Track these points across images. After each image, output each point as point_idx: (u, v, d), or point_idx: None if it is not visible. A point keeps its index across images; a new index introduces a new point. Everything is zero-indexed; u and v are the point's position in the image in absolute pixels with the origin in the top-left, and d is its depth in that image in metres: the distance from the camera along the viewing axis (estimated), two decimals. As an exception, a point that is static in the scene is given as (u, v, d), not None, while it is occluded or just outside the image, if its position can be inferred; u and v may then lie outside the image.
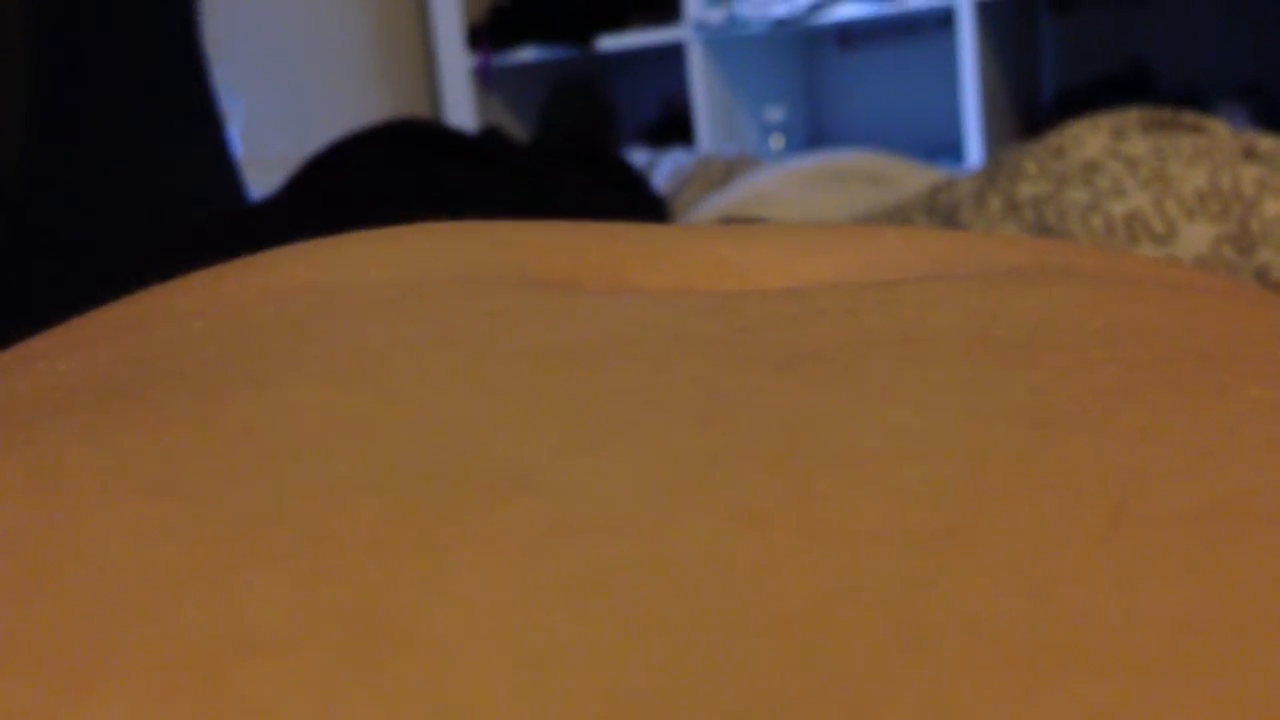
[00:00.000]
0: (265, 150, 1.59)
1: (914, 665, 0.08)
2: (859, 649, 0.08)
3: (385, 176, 0.64)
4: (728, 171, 1.18)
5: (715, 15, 2.09)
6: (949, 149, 1.97)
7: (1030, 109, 2.06)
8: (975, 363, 0.13)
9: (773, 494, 0.10)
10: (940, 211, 0.67)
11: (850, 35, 2.35)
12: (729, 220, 0.76)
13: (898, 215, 0.71)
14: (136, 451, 0.11)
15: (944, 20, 2.05)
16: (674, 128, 2.28)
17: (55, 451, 0.11)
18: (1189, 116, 0.65)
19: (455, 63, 2.38)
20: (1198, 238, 0.57)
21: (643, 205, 0.90)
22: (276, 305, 0.16)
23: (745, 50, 2.22)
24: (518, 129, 2.18)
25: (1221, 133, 0.63)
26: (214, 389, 0.12)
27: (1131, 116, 0.65)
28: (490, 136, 0.77)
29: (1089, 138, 0.64)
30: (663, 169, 1.26)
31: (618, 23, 2.24)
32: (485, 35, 2.36)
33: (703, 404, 0.12)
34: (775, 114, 2.24)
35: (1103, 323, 0.14)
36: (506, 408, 0.12)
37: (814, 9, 2.02)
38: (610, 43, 2.24)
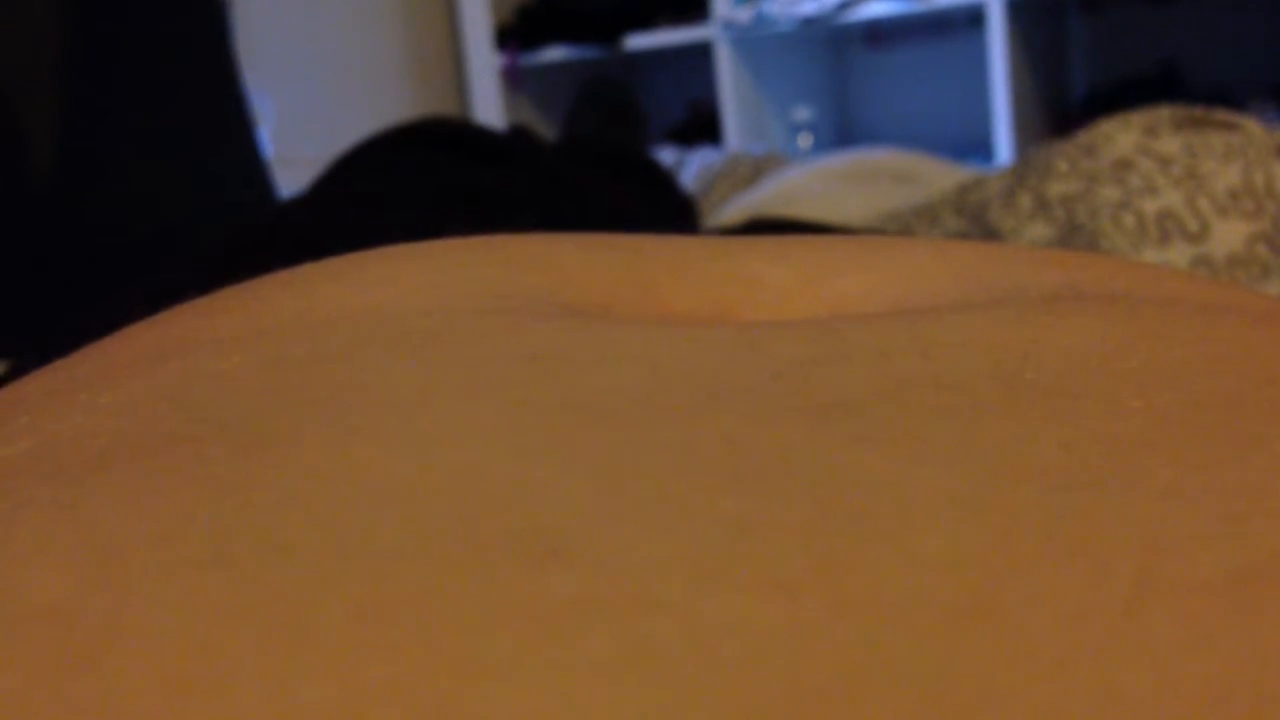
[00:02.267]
0: (295, 149, 1.60)
1: None
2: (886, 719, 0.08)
3: (414, 176, 0.64)
4: (756, 170, 1.18)
5: (743, 14, 2.09)
6: (978, 148, 1.96)
7: (1060, 108, 2.05)
8: (1006, 415, 0.13)
9: (802, 564, 0.10)
10: (969, 210, 0.67)
11: (879, 34, 2.34)
12: (757, 219, 0.75)
13: (926, 214, 0.71)
14: (184, 519, 0.11)
15: (974, 19, 2.04)
16: (702, 127, 2.28)
17: (102, 517, 0.11)
18: (1221, 114, 0.64)
19: (483, 63, 2.39)
20: (1231, 235, 0.56)
21: (671, 205, 0.90)
22: (312, 339, 0.16)
23: (773, 49, 2.22)
24: (545, 129, 2.19)
25: (1255, 130, 0.63)
26: (256, 449, 0.12)
27: (1163, 114, 0.65)
28: (518, 136, 0.78)
29: (1120, 136, 0.63)
30: (690, 168, 1.26)
31: (645, 22, 2.24)
32: (513, 35, 2.37)
33: (735, 466, 0.12)
34: (803, 113, 2.24)
35: (1135, 362, 0.14)
36: (542, 470, 0.12)
37: (842, 7, 2.01)
38: (638, 42, 2.24)
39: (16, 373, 0.32)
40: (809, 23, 2.06)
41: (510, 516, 0.11)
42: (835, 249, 0.22)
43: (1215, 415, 0.13)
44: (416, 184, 0.62)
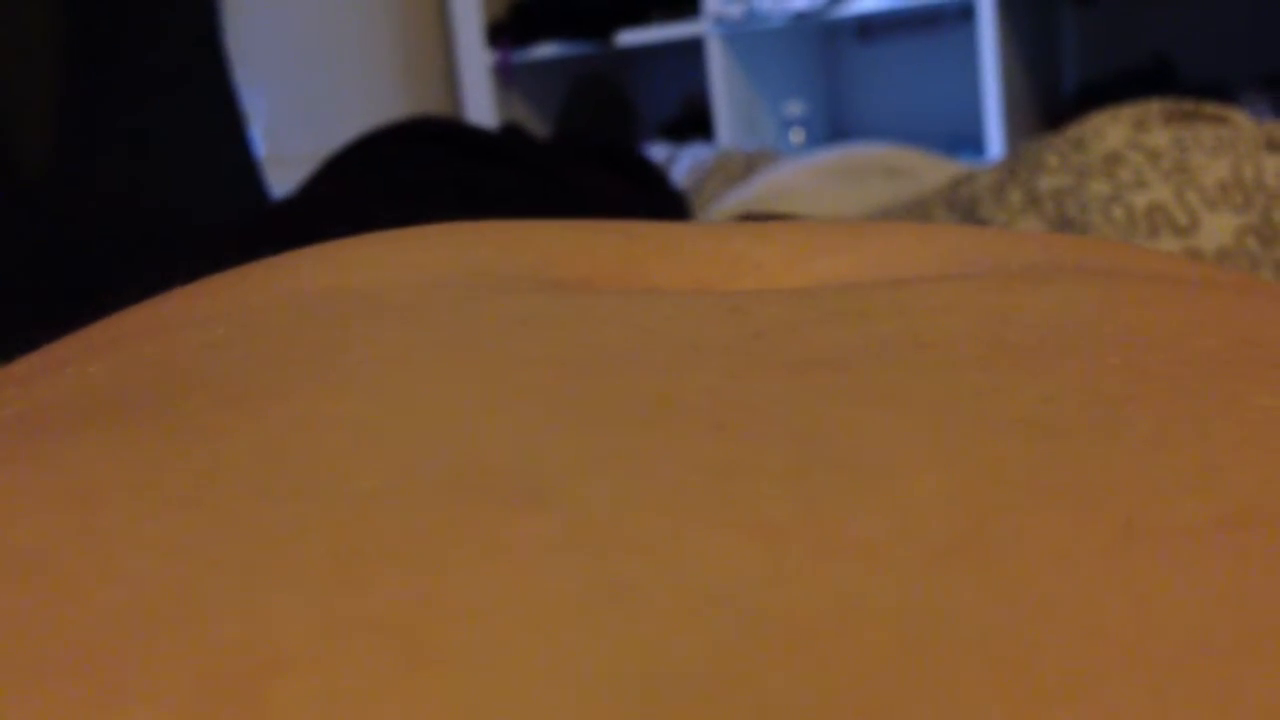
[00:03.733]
0: (286, 148, 1.59)
1: (925, 677, 0.08)
2: (869, 662, 0.08)
3: (406, 174, 0.64)
4: (747, 166, 1.18)
5: (734, 9, 2.09)
6: (969, 142, 1.96)
7: (1051, 101, 2.05)
8: (987, 369, 0.13)
9: (784, 508, 0.10)
10: (960, 204, 0.67)
11: (870, 28, 2.34)
12: (749, 215, 0.75)
13: (918, 209, 0.71)
14: (164, 465, 0.11)
15: (964, 12, 2.04)
16: (694, 123, 2.28)
17: (84, 465, 0.11)
18: (1211, 107, 0.65)
19: (475, 59, 2.38)
20: (1220, 229, 0.56)
21: (663, 201, 0.90)
22: (297, 310, 0.16)
23: (765, 44, 2.22)
24: (538, 125, 2.18)
25: (1244, 124, 0.63)
26: (238, 400, 0.13)
27: (1153, 108, 0.65)
28: (510, 133, 0.78)
29: (1110, 129, 0.64)
30: (682, 164, 1.26)
31: (637, 18, 2.24)
32: (505, 32, 2.36)
33: (716, 415, 0.12)
34: (795, 108, 2.24)
35: (1115, 325, 0.14)
36: (523, 419, 0.12)
37: (833, 2, 2.01)
38: (630, 38, 2.24)
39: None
40: (800, 17, 2.06)
41: (490, 461, 0.11)
42: (820, 231, 0.22)
43: (1195, 372, 0.13)
44: (410, 180, 0.62)
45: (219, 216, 0.73)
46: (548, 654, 0.08)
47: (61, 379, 0.14)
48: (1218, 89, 1.72)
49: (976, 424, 0.11)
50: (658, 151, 1.33)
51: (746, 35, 2.17)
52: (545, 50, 2.33)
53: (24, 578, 0.09)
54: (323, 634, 0.08)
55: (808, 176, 0.96)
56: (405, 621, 0.09)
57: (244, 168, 0.84)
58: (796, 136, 2.23)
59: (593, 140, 1.04)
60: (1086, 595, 0.09)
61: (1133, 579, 0.09)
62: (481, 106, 2.37)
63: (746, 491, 0.10)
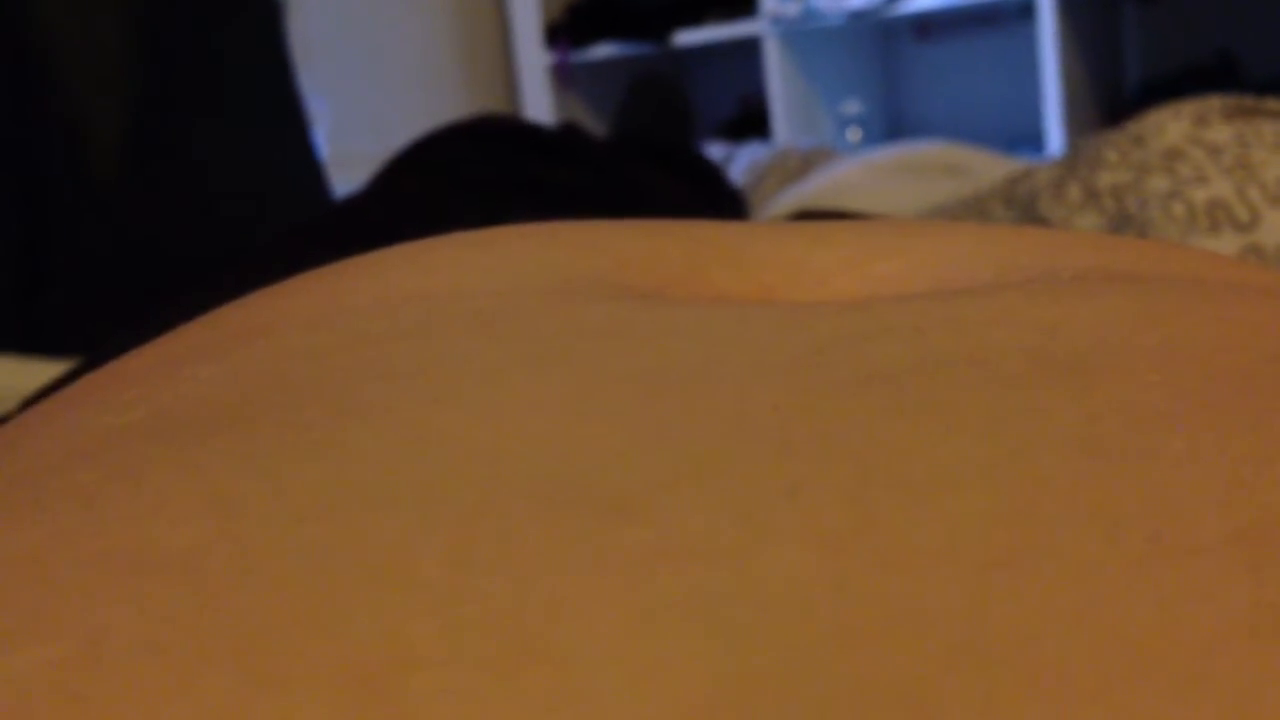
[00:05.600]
0: (349, 148, 1.62)
1: (971, 676, 0.09)
2: (920, 663, 0.09)
3: (473, 172, 0.65)
4: (805, 164, 1.19)
5: (791, 8, 2.09)
6: (1029, 140, 1.95)
7: (1113, 99, 2.03)
8: (1034, 387, 0.14)
9: (845, 522, 0.11)
10: (1019, 201, 0.67)
11: (928, 26, 2.33)
12: (806, 212, 0.76)
13: (976, 206, 0.71)
14: (291, 476, 0.12)
15: (1024, 10, 2.03)
16: (752, 122, 2.28)
17: (218, 474, 0.12)
18: (1273, 103, 0.64)
19: (533, 60, 2.40)
20: (1282, 225, 0.56)
21: (721, 199, 0.90)
22: (390, 316, 0.17)
23: (822, 43, 2.22)
24: (595, 125, 2.20)
25: (1307, 119, 0.62)
26: (350, 413, 0.14)
27: (1214, 104, 0.65)
28: (570, 132, 0.79)
29: (1170, 125, 0.63)
30: (739, 163, 1.26)
31: (694, 18, 2.25)
32: (563, 33, 2.38)
33: (784, 433, 0.13)
34: (853, 107, 2.23)
35: (1155, 339, 0.15)
36: (610, 434, 0.13)
37: (890, 0, 2.01)
38: (687, 38, 2.25)
39: (91, 366, 0.33)
40: (857, 16, 2.06)
41: (580, 476, 0.12)
42: (875, 233, 0.23)
43: (1228, 388, 0.13)
44: (478, 178, 0.63)
45: (286, 216, 0.75)
46: (646, 653, 0.09)
47: (179, 383, 0.15)
48: (1283, 85, 1.69)
49: (1022, 442, 0.12)
50: (715, 151, 1.34)
51: (803, 34, 2.17)
52: (602, 51, 2.35)
53: (177, 578, 0.10)
54: (447, 634, 0.09)
55: (865, 174, 0.96)
56: (518, 623, 0.10)
57: (309, 168, 0.85)
58: (854, 135, 2.22)
59: (651, 140, 1.05)
60: (1115, 605, 0.10)
61: (1157, 590, 0.10)
62: (539, 107, 2.38)
63: (812, 506, 0.11)
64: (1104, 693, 0.09)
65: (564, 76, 2.40)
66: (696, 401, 0.14)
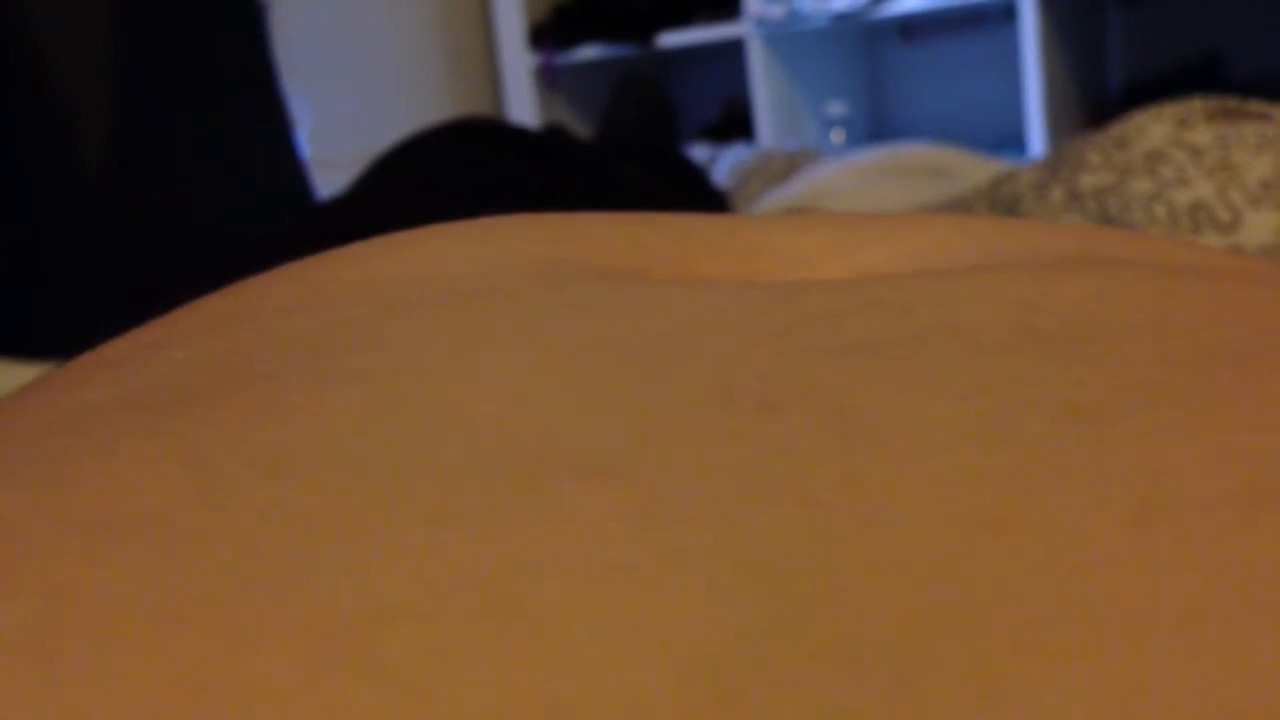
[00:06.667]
0: (332, 150, 1.61)
1: (957, 635, 0.09)
2: (907, 619, 0.09)
3: (455, 172, 0.65)
4: (789, 166, 1.19)
5: (775, 10, 2.09)
6: (1012, 142, 1.95)
7: (1097, 101, 2.03)
8: (1019, 355, 0.13)
9: (830, 482, 0.11)
10: (1002, 203, 0.67)
11: (911, 28, 2.33)
12: (790, 212, 0.76)
13: (959, 207, 0.71)
14: (265, 438, 0.12)
15: (1007, 12, 2.04)
16: (736, 124, 2.28)
17: (190, 439, 0.12)
18: (1255, 105, 0.64)
19: (518, 62, 2.40)
20: (1263, 226, 0.56)
21: (705, 201, 0.90)
22: (371, 297, 0.17)
23: (806, 45, 2.22)
24: (580, 127, 2.19)
25: (1288, 121, 0.63)
26: (327, 380, 0.14)
27: (1196, 105, 0.65)
28: (554, 134, 0.78)
29: (1153, 127, 0.64)
30: (723, 164, 1.27)
31: (678, 20, 2.25)
32: (547, 34, 2.38)
33: (766, 397, 0.12)
34: (837, 108, 2.24)
35: (1141, 314, 0.15)
36: (588, 399, 0.13)
37: (875, 2, 2.01)
38: (671, 40, 2.25)
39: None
40: (841, 18, 2.06)
41: (560, 437, 0.12)
42: (860, 223, 0.23)
43: (1217, 359, 0.13)
44: (461, 177, 0.63)
45: (269, 217, 0.74)
46: (627, 610, 0.09)
47: (153, 363, 0.15)
48: (1268, 87, 1.70)
49: (1008, 406, 0.12)
50: (699, 152, 1.34)
51: (787, 36, 2.17)
52: (587, 52, 2.35)
53: (146, 538, 0.10)
54: (421, 590, 0.09)
55: (849, 176, 0.96)
56: (494, 579, 0.09)
57: (292, 169, 0.85)
58: (837, 137, 2.22)
59: (635, 141, 1.05)
60: (1105, 566, 0.09)
61: (1148, 551, 0.10)
62: (524, 108, 2.38)
63: (794, 467, 0.11)
64: (1092, 653, 0.08)
65: (548, 78, 2.40)
66: (677, 368, 0.13)
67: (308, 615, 0.09)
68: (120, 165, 0.71)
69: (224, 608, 0.09)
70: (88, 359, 0.17)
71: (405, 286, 0.18)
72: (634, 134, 1.09)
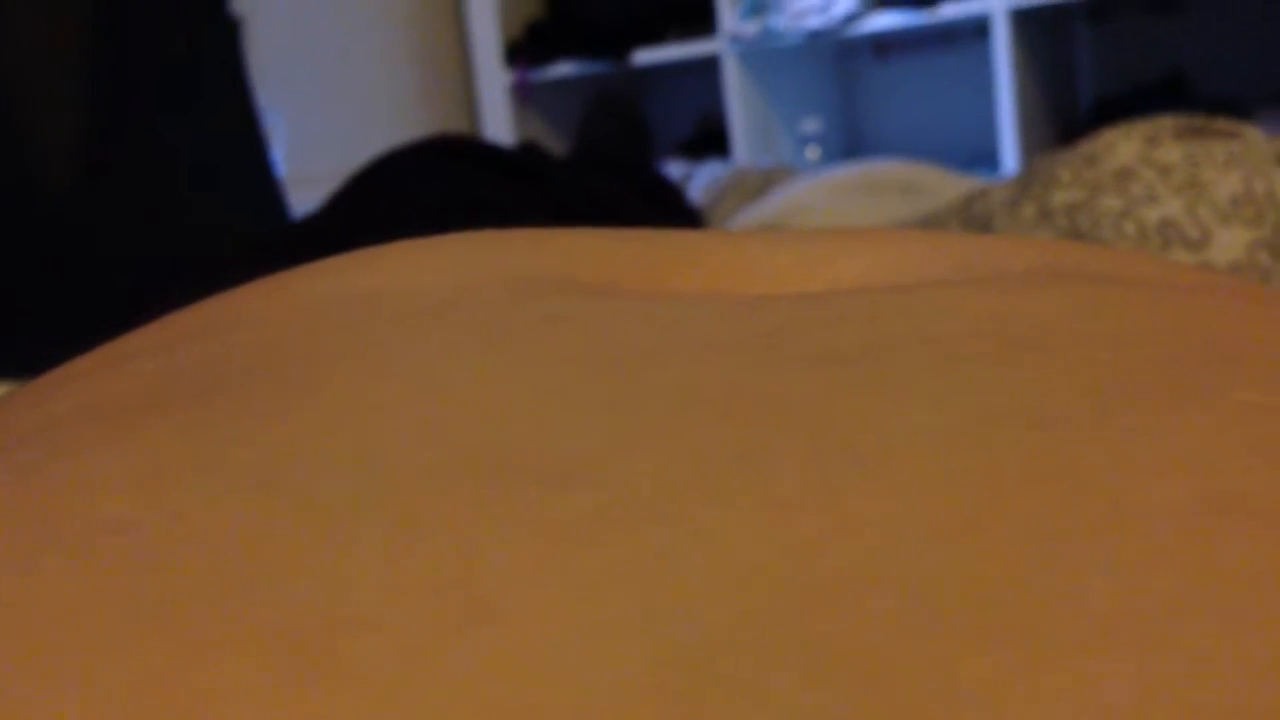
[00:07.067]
0: (308, 167, 1.61)
1: (926, 639, 0.09)
2: (878, 622, 0.09)
3: (427, 191, 0.65)
4: (764, 183, 1.19)
5: (750, 28, 2.10)
6: (985, 158, 1.96)
7: (1067, 118, 2.05)
8: (987, 364, 0.14)
9: (797, 486, 0.11)
10: (975, 220, 0.68)
11: (885, 46, 2.35)
12: (765, 229, 0.76)
13: (932, 224, 0.72)
14: (230, 448, 0.12)
15: (979, 30, 2.05)
16: (711, 141, 2.29)
17: (156, 447, 0.12)
18: (1222, 123, 0.65)
19: (493, 79, 2.40)
20: (1232, 243, 0.57)
21: (679, 218, 0.90)
22: (342, 311, 0.17)
23: (780, 62, 2.23)
24: (555, 144, 2.20)
25: (1255, 139, 0.64)
26: (295, 389, 0.13)
27: (1165, 124, 0.66)
28: (529, 151, 0.79)
29: (1122, 145, 0.64)
30: (698, 181, 1.27)
31: (653, 37, 2.25)
32: (522, 52, 2.38)
33: (734, 404, 0.12)
34: (811, 125, 2.25)
35: (1106, 325, 0.15)
36: (554, 406, 0.13)
37: (848, 20, 2.02)
38: (646, 57, 2.25)
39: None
40: (815, 36, 2.07)
41: (525, 444, 0.12)
42: (830, 238, 0.23)
43: (1181, 368, 0.14)
44: (432, 197, 0.63)
45: (243, 234, 0.74)
46: (594, 615, 0.09)
47: (122, 374, 0.15)
48: (1233, 105, 1.72)
49: (976, 413, 0.12)
50: (674, 169, 1.34)
51: (762, 54, 2.18)
52: (562, 70, 2.35)
53: (109, 545, 0.10)
54: (387, 596, 0.09)
55: (824, 193, 0.97)
56: (461, 585, 0.09)
57: (266, 186, 0.85)
58: (812, 154, 2.23)
59: (610, 158, 1.05)
60: (1073, 570, 0.09)
61: (1116, 556, 0.10)
62: (499, 125, 2.38)
63: (762, 472, 0.11)
64: (1063, 654, 0.09)
65: (524, 95, 2.40)
66: (645, 376, 0.13)
67: (273, 621, 0.09)
68: (88, 185, 0.70)
69: (188, 613, 0.09)
70: (57, 373, 0.17)
71: (377, 300, 0.18)
72: (609, 151, 1.09)
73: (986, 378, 0.13)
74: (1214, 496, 0.10)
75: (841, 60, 2.39)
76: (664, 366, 0.14)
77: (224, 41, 0.82)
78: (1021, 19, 1.89)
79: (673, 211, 0.90)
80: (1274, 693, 0.08)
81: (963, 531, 0.10)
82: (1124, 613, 0.09)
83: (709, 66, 2.22)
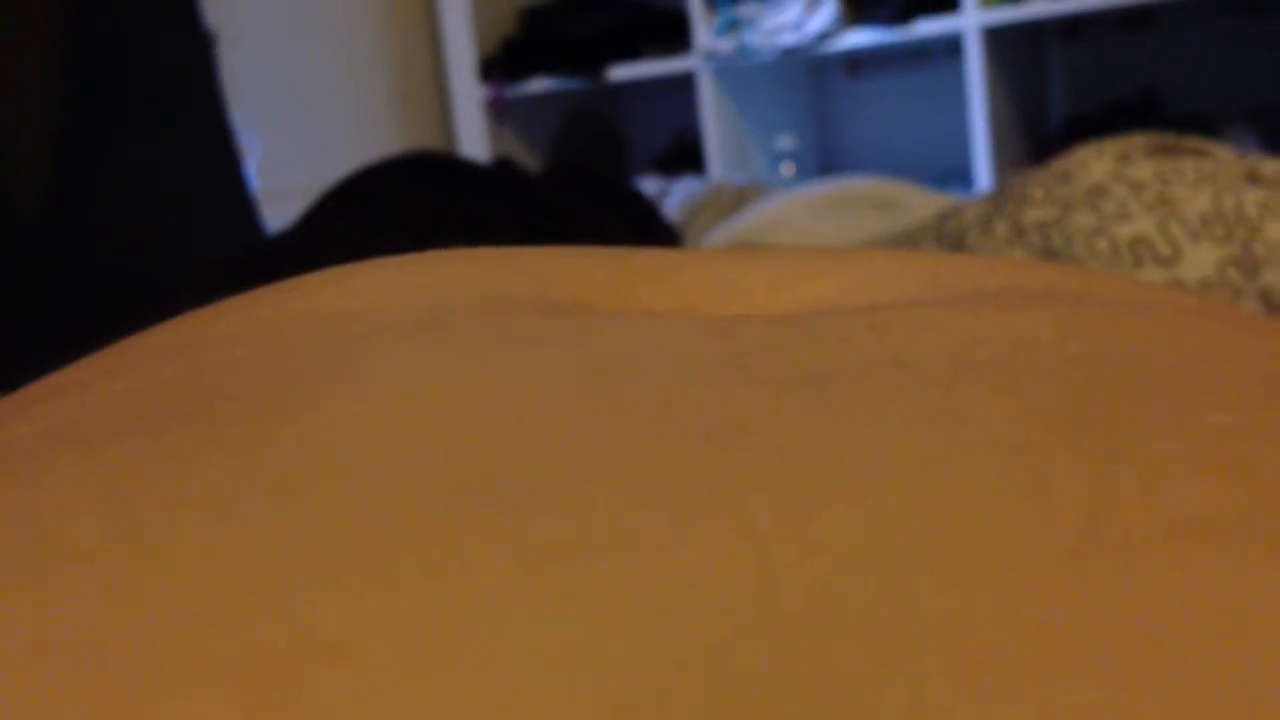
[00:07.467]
0: (282, 183, 1.60)
1: (897, 668, 0.09)
2: (846, 653, 0.09)
3: (401, 208, 0.65)
4: (738, 199, 1.19)
5: (725, 45, 2.11)
6: (958, 175, 1.98)
7: (1039, 135, 2.07)
8: (958, 388, 0.13)
9: (769, 514, 0.11)
10: (948, 237, 0.68)
11: (859, 63, 2.36)
12: (739, 247, 0.76)
13: (906, 241, 0.72)
14: (197, 473, 0.12)
15: (952, 47, 2.06)
16: (685, 157, 2.29)
17: (123, 473, 0.12)
18: (1193, 141, 0.66)
19: (468, 95, 2.40)
20: (1202, 260, 0.57)
21: (654, 233, 0.91)
22: (314, 330, 0.17)
23: (755, 79, 2.24)
24: (530, 160, 2.20)
25: (1225, 157, 0.64)
26: (265, 411, 0.13)
27: (1137, 141, 0.66)
28: (503, 167, 0.79)
29: (1094, 163, 0.65)
30: (674, 197, 1.27)
31: (628, 53, 2.26)
32: (497, 67, 2.38)
33: (706, 427, 0.12)
34: (785, 142, 2.25)
35: (1077, 347, 0.15)
36: (529, 429, 0.13)
37: (822, 37, 2.03)
38: (621, 73, 2.26)
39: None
40: (790, 53, 2.08)
41: (496, 468, 0.12)
42: (803, 257, 0.23)
43: (1153, 390, 0.14)
44: (406, 214, 0.63)
45: (216, 251, 0.74)
46: (563, 644, 0.09)
47: (88, 396, 0.15)
48: (1203, 122, 1.74)
49: (947, 438, 0.12)
50: (649, 185, 1.34)
51: (737, 70, 2.19)
52: (537, 85, 2.35)
53: (77, 574, 0.10)
54: (355, 626, 0.09)
55: (798, 209, 0.97)
56: (428, 614, 0.09)
57: (240, 202, 0.85)
58: (787, 170, 2.24)
59: (585, 174, 1.05)
60: (1046, 596, 0.09)
61: (1088, 582, 0.10)
62: (474, 141, 2.38)
63: (734, 498, 0.11)
64: (1034, 684, 0.08)
65: (499, 111, 2.40)
66: (618, 399, 0.13)
67: (240, 653, 0.09)
68: (58, 200, 0.70)
69: (154, 645, 0.09)
70: (25, 393, 0.17)
71: (348, 319, 0.18)
72: (584, 167, 1.09)
73: (958, 401, 0.13)
74: (1185, 522, 0.10)
75: (816, 77, 2.41)
76: (637, 388, 0.14)
77: (197, 57, 0.82)
78: (994, 37, 1.90)
79: (647, 228, 0.90)
80: None
81: (933, 558, 0.10)
82: (1095, 641, 0.09)
83: (684, 83, 2.22)
